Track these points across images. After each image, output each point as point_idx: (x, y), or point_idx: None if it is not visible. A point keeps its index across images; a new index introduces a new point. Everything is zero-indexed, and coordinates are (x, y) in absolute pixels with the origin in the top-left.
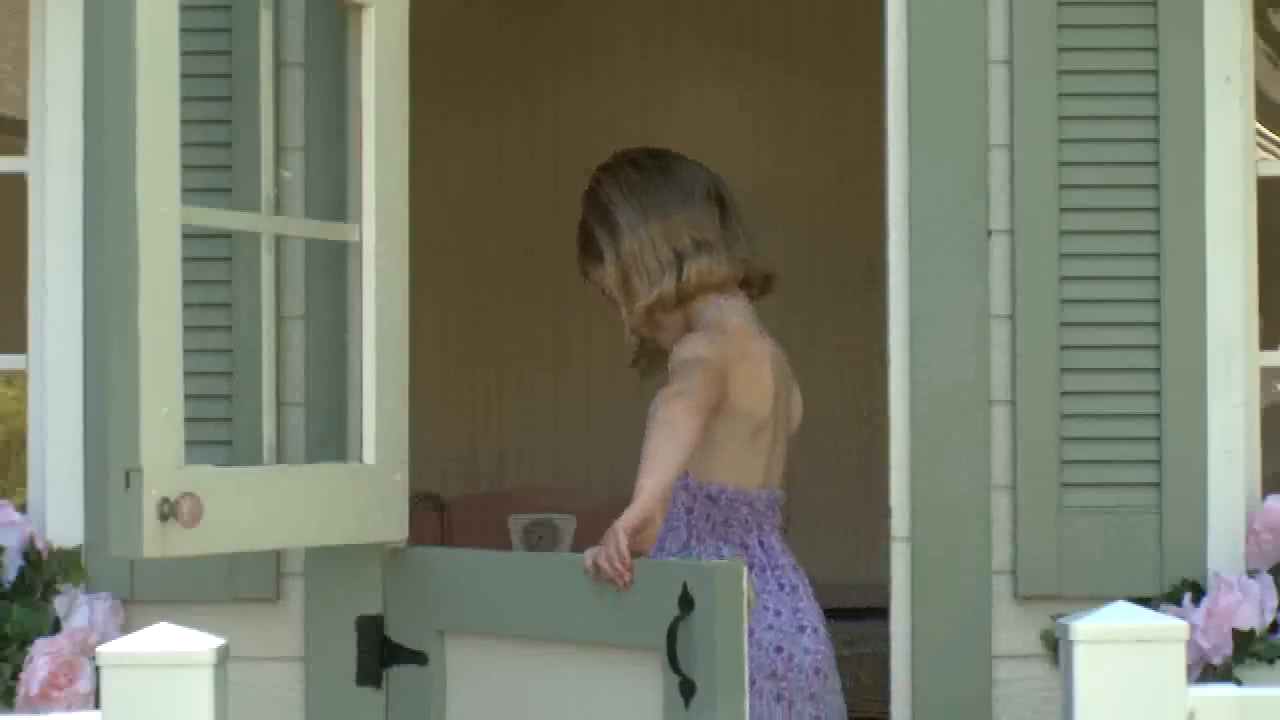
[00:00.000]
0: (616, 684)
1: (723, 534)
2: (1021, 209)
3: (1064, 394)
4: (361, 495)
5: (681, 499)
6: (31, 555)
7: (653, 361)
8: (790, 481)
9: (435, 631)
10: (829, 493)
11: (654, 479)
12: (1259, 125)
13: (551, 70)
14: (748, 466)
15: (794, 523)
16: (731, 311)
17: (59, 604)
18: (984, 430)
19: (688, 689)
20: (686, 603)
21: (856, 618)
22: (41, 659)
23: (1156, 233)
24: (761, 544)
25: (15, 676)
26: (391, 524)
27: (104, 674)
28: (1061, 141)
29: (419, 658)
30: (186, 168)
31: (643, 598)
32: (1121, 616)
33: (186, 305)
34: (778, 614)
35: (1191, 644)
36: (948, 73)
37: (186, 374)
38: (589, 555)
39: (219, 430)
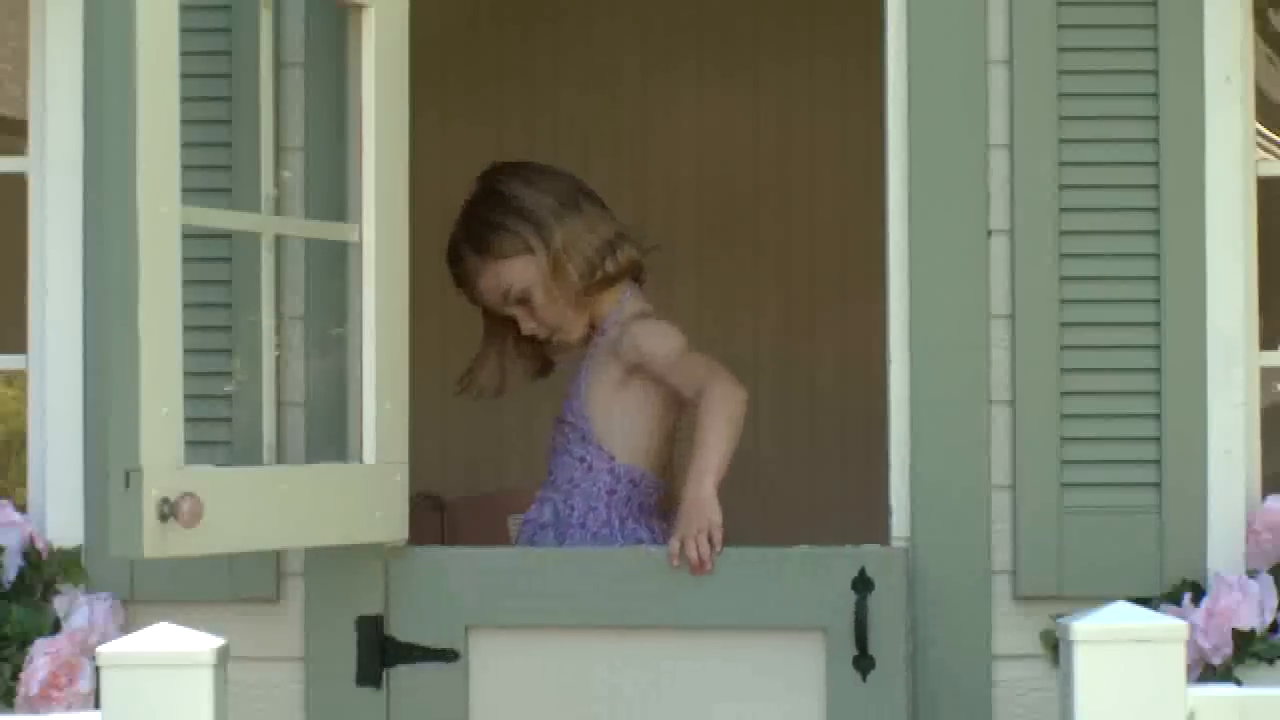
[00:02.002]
0: (758, 663)
1: (638, 518)
2: (1021, 209)
3: (1064, 394)
4: (361, 495)
5: (604, 480)
6: (31, 555)
7: (491, 382)
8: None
9: (463, 628)
10: (829, 492)
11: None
12: (1259, 125)
13: (551, 70)
14: (663, 456)
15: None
16: (644, 300)
17: (59, 604)
18: (984, 430)
19: (866, 664)
20: (865, 584)
21: None
22: (41, 659)
23: (1156, 233)
24: (663, 530)
25: (15, 676)
26: (391, 524)
27: (104, 674)
28: (1061, 141)
29: (445, 655)
30: (186, 168)
31: (807, 580)
32: (1121, 616)
33: (186, 305)
34: None
35: (1191, 644)
36: (948, 73)
37: (186, 374)
38: (675, 542)
39: (219, 430)
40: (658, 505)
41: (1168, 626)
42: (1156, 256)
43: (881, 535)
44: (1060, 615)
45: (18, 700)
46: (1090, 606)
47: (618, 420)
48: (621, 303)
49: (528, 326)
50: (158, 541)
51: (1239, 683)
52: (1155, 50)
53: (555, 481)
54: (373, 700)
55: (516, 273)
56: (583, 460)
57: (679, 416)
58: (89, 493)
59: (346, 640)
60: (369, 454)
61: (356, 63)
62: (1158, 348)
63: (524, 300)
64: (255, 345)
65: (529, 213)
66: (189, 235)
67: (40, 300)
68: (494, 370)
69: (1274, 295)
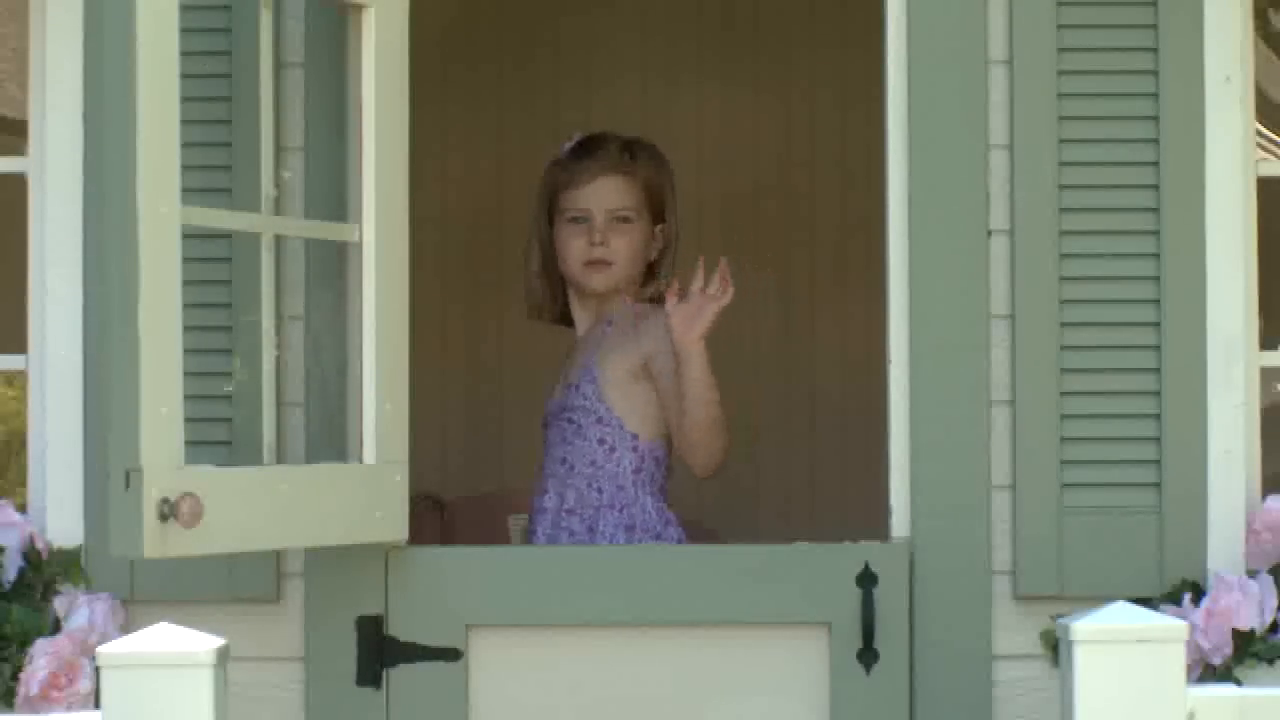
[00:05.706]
0: (761, 659)
1: (655, 494)
2: (1021, 209)
3: (1064, 394)
4: (361, 495)
5: (629, 459)
6: (31, 555)
7: (545, 300)
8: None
9: (463, 628)
10: (829, 492)
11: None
12: (1259, 125)
13: (551, 70)
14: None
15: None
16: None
17: (59, 604)
18: (984, 430)
19: (870, 657)
20: (869, 579)
21: None
22: (41, 659)
23: (1156, 233)
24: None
25: (15, 677)
26: (391, 524)
27: (104, 674)
28: (1061, 141)
29: (445, 655)
30: (186, 168)
31: (811, 576)
32: (1121, 616)
33: (186, 305)
34: None
35: (1191, 644)
36: (948, 73)
37: (186, 374)
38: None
39: (219, 430)
40: (665, 480)
41: (1168, 626)
42: (1156, 256)
43: (881, 536)
44: (1060, 615)
45: (18, 700)
46: (1090, 606)
47: (639, 398)
48: (627, 305)
49: (595, 239)
50: (158, 541)
51: (1239, 683)
52: (1155, 50)
53: (574, 468)
54: (373, 700)
55: (645, 196)
56: (603, 442)
57: None
58: (89, 493)
59: (346, 640)
60: (369, 454)
61: (356, 63)
62: (1158, 348)
63: (625, 219)
64: (255, 345)
65: (676, 189)
66: (189, 235)
67: (40, 300)
68: (547, 291)
69: (1274, 295)
